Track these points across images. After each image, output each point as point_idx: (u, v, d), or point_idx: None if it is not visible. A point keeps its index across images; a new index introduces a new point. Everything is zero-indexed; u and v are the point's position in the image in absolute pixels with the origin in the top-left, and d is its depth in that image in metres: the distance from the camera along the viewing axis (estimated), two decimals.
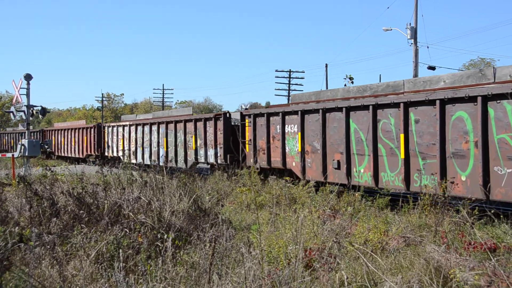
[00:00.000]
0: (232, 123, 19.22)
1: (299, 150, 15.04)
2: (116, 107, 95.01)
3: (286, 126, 15.80)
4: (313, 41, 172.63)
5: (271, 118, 16.57)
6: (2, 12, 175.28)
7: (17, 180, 11.52)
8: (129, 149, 26.97)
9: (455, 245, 7.30)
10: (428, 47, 50.25)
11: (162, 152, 23.59)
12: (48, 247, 6.43)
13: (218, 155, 19.10)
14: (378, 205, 11.11)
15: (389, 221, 9.31)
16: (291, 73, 60.48)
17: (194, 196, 9.39)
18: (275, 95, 60.95)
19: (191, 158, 21.20)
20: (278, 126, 16.13)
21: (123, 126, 28.13)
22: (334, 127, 13.82)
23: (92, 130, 31.81)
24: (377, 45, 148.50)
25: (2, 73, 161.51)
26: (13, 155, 18.73)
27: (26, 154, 18.59)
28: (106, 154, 30.15)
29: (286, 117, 15.81)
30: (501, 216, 8.89)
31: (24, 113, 19.13)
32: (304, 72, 79.92)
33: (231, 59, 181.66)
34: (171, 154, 22.70)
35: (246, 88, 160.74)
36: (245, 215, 10.92)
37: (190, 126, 21.25)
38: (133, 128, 26.84)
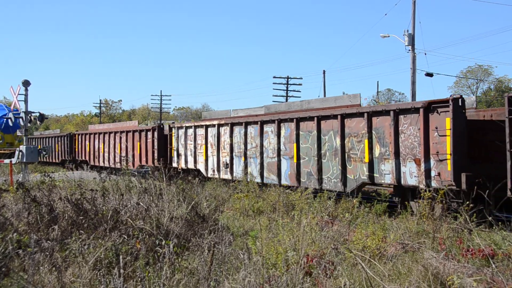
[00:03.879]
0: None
1: None
2: (114, 113, 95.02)
3: None
4: (311, 47, 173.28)
5: None
6: None
7: (15, 186, 11.51)
8: (218, 160, 19.09)
9: (453, 252, 7.32)
10: (425, 54, 50.40)
11: (286, 164, 15.79)
12: (47, 253, 6.42)
13: (434, 173, 11.32)
14: (376, 211, 11.13)
15: (387, 228, 9.33)
16: (289, 79, 60.53)
17: (192, 202, 9.39)
18: (273, 101, 60.75)
19: (356, 176, 13.44)
20: None
21: (207, 126, 20.04)
22: None
23: (150, 133, 24.03)
24: (375, 51, 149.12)
25: (0, 79, 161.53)
26: (11, 161, 18.71)
27: (24, 160, 18.55)
28: (174, 165, 22.15)
29: None
30: (500, 222, 8.90)
31: (22, 119, 19.12)
32: (302, 78, 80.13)
33: (229, 65, 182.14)
34: (308, 169, 14.92)
35: (243, 95, 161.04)
36: (244, 221, 10.92)
37: (356, 124, 13.48)
38: (225, 129, 18.93)
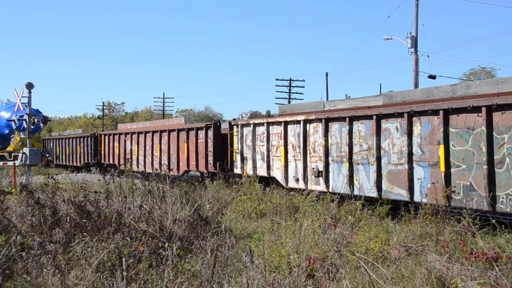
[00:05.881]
0: None
1: None
2: (116, 115, 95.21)
3: None
4: (313, 50, 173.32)
5: None
6: (3, 20, 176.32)
7: (19, 188, 11.54)
8: (305, 166, 14.94)
9: (457, 255, 7.30)
10: (428, 56, 50.58)
11: (423, 174, 11.38)
12: (50, 255, 6.44)
13: None
14: (379, 214, 11.12)
15: (390, 230, 9.32)
16: (292, 81, 60.62)
17: (196, 205, 9.40)
18: (275, 103, 61.22)
19: None
20: None
21: (286, 123, 15.87)
22: None
23: (202, 132, 19.93)
24: (378, 54, 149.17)
25: (4, 81, 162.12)
26: (14, 163, 18.75)
27: (27, 163, 18.60)
28: (237, 171, 18.45)
29: None
30: (503, 225, 8.88)
31: (26, 121, 19.17)
32: (304, 80, 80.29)
33: (232, 67, 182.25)
34: (466, 181, 10.51)
35: (246, 97, 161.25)
36: (246, 224, 10.92)
37: None
38: (316, 126, 14.65)
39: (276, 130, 16.33)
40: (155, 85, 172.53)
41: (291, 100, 59.92)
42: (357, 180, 13.11)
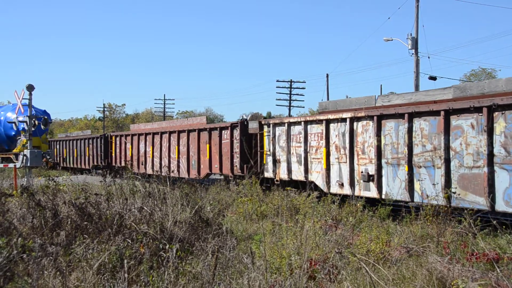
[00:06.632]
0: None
1: None
2: (117, 117, 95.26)
3: None
4: (314, 51, 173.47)
5: None
6: (3, 22, 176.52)
7: (20, 190, 11.54)
8: (352, 169, 13.32)
9: (458, 256, 7.30)
10: (429, 57, 50.59)
11: (509, 179, 9.70)
12: (51, 257, 6.44)
13: None
14: (380, 215, 11.11)
15: (391, 232, 9.31)
16: (292, 83, 60.64)
17: (196, 207, 9.40)
18: (276, 105, 61.35)
19: None
20: None
21: (328, 121, 14.30)
22: None
23: (227, 132, 18.46)
24: (378, 55, 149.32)
25: (4, 83, 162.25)
26: (15, 165, 18.76)
27: (28, 165, 18.61)
28: (267, 174, 16.77)
29: None
30: (504, 226, 8.87)
31: (26, 123, 19.18)
32: (305, 82, 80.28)
33: (232, 69, 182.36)
34: None
35: (247, 98, 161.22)
36: (247, 225, 10.92)
37: None
38: (365, 124, 13.05)
39: (316, 129, 14.61)
40: (155, 87, 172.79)
41: (291, 101, 59.95)
42: (418, 186, 11.34)
